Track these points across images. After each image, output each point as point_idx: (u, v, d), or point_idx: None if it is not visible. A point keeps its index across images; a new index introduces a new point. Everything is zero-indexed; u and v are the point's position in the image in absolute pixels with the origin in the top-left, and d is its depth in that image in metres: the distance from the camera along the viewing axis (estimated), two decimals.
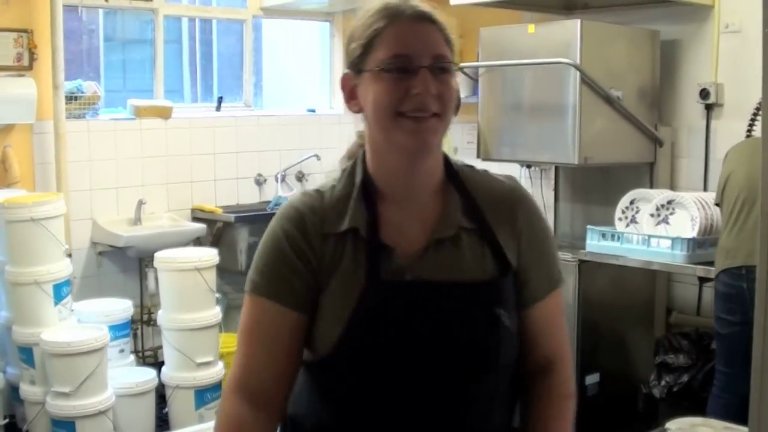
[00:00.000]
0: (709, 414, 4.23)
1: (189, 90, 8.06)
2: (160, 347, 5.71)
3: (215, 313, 5.07)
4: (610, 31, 5.16)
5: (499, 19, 5.79)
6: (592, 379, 5.16)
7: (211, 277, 5.05)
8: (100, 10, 6.70)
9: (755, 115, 4.84)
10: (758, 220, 4.04)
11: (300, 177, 6.93)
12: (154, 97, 6.37)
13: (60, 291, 4.76)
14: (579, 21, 4.93)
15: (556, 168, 5.90)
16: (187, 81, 8.47)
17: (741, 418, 3.81)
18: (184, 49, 8.66)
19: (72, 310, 4.91)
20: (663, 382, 4.96)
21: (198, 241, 6.04)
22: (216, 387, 5.08)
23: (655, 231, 4.82)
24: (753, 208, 4.06)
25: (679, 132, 5.42)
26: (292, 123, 6.96)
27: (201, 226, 6.04)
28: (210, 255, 5.08)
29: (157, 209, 6.15)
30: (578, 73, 4.91)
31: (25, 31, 5.51)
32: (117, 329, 5.05)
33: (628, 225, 5.02)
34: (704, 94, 5.19)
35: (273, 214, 5.94)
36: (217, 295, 5.21)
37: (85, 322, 4.91)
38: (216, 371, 5.07)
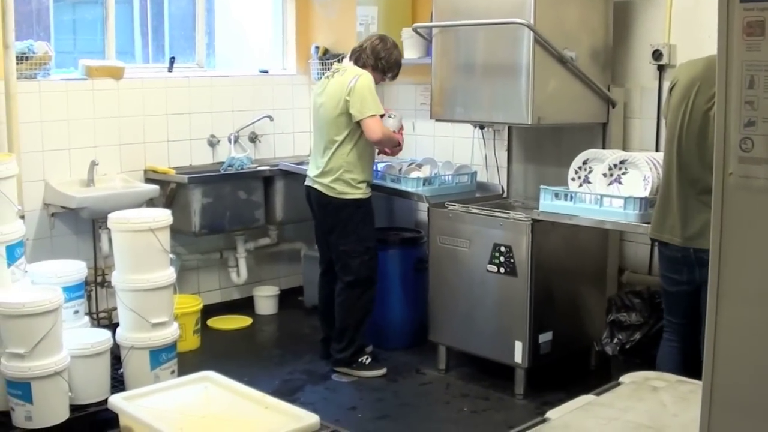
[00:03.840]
0: (660, 357, 4.32)
1: (140, 51, 7.96)
2: (115, 309, 5.69)
3: (169, 274, 5.05)
4: None
5: None
6: (545, 337, 5.22)
7: (165, 237, 5.02)
8: None
9: None
10: (684, 194, 3.98)
11: (253, 138, 6.91)
12: (105, 57, 6.29)
13: (13, 252, 4.71)
14: None
15: (510, 128, 5.93)
16: (138, 42, 8.37)
17: (690, 364, 3.93)
18: (135, 10, 8.55)
19: (25, 272, 4.87)
20: (615, 340, 5.03)
21: (151, 203, 6.00)
22: (171, 347, 5.07)
23: (608, 191, 4.86)
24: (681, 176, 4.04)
25: (631, 92, 5.47)
26: (245, 83, 6.93)
27: (154, 188, 6.01)
28: (164, 215, 5.05)
29: (109, 170, 6.10)
30: (532, 33, 4.92)
31: None
32: (71, 290, 5.01)
33: (581, 185, 5.06)
34: (657, 54, 5.24)
35: (226, 175, 6.01)
36: (171, 256, 5.19)
37: (39, 284, 4.87)
38: (171, 331, 5.06)
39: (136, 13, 8.44)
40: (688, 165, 4.00)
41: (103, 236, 5.88)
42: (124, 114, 6.19)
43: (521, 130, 5.84)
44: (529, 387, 5.25)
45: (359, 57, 5.53)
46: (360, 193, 5.49)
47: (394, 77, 5.68)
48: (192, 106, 6.57)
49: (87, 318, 5.29)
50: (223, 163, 6.52)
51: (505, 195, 6.00)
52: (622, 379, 2.64)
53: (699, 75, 3.98)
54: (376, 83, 5.56)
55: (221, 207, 6.24)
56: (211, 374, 3.93)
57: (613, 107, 5.38)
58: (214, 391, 3.80)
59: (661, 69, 5.28)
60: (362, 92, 5.33)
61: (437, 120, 5.71)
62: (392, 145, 5.65)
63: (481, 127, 6.13)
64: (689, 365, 4.19)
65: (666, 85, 5.19)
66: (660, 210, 4.16)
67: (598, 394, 2.50)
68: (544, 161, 5.79)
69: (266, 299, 6.91)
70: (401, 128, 5.76)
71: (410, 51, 6.17)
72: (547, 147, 5.76)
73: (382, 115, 5.43)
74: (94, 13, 6.67)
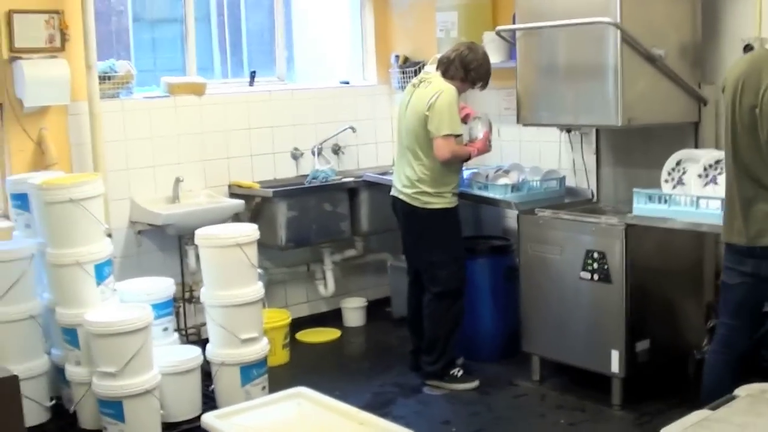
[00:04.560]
0: (707, 371, 4.22)
1: (219, 67, 8.00)
2: (203, 325, 5.71)
3: (258, 289, 5.03)
4: None
5: None
6: (642, 345, 5.07)
7: (253, 252, 5.00)
8: None
9: None
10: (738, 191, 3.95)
11: (336, 150, 6.87)
12: (186, 74, 6.31)
13: (102, 271, 4.73)
14: None
15: (597, 131, 5.78)
16: (216, 58, 8.41)
17: (739, 376, 3.84)
18: (212, 27, 8.59)
19: (114, 290, 4.88)
20: None
21: (236, 217, 5.99)
22: (261, 363, 5.05)
23: (704, 192, 4.70)
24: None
25: None
26: (327, 95, 6.90)
27: (239, 202, 5.99)
28: (251, 230, 5.03)
29: (194, 186, 6.11)
30: (618, 32, 4.79)
31: (56, 12, 5.44)
32: (160, 308, 5.02)
33: (674, 187, 4.90)
34: (748, 49, 5.04)
35: (311, 188, 5.97)
36: (259, 270, 5.15)
37: (128, 302, 4.88)
38: (261, 347, 5.04)
39: (214, 30, 8.49)
40: (746, 164, 3.97)
41: (189, 252, 5.89)
42: (206, 130, 6.20)
43: (610, 133, 5.69)
44: (626, 397, 5.09)
45: (447, 68, 5.40)
46: (446, 202, 5.40)
47: (484, 87, 5.54)
48: (274, 119, 6.56)
49: (176, 335, 5.30)
50: (308, 175, 6.48)
51: (594, 199, 5.85)
52: (737, 392, 2.50)
53: (742, 74, 3.98)
54: (463, 92, 5.46)
55: (307, 220, 6.20)
56: (303, 390, 3.88)
57: (705, 105, 5.21)
58: (307, 407, 3.75)
59: None
60: (441, 110, 5.23)
61: (524, 125, 5.58)
62: (462, 162, 5.54)
63: (568, 131, 5.99)
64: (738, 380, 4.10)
65: None
66: (727, 212, 4.13)
67: (713, 409, 2.37)
68: (635, 164, 5.62)
69: (354, 311, 6.85)
70: (488, 132, 5.62)
71: (492, 55, 6.01)
72: (636, 149, 5.59)
73: (458, 135, 5.32)
74: (173, 31, 6.70)
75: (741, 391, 2.50)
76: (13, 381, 3.30)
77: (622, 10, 4.78)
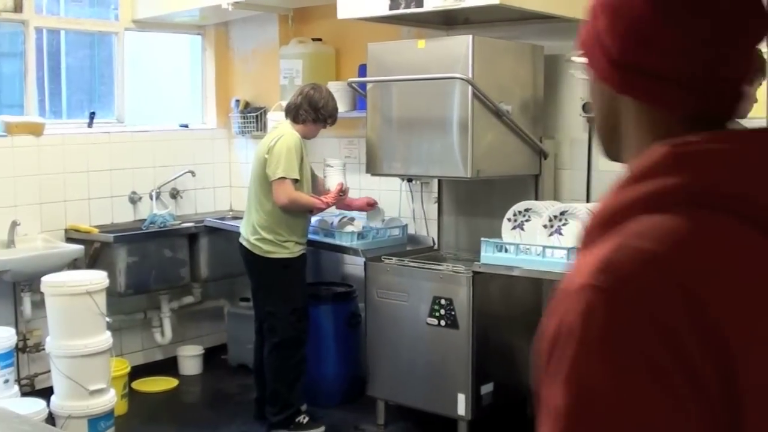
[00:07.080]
0: None
1: (48, 105, 7.76)
2: (37, 375, 5.50)
3: (107, 338, 4.90)
4: (499, 46, 5.25)
5: (378, 34, 5.80)
6: (486, 388, 5.23)
7: (102, 300, 4.88)
8: None
9: None
10: None
11: (174, 194, 6.76)
12: (24, 112, 6.09)
13: None
14: (471, 36, 4.97)
15: (440, 181, 5.93)
16: (33, 95, 8.17)
17: None
18: (29, 63, 8.33)
19: None
20: None
21: (74, 264, 5.79)
22: (109, 415, 4.90)
23: (549, 242, 4.91)
24: None
25: (561, 144, 5.56)
26: (166, 138, 6.78)
27: (79, 248, 5.79)
28: (100, 278, 4.91)
29: (30, 230, 5.87)
30: (470, 87, 4.95)
31: None
32: (1, 359, 4.80)
33: (514, 228, 5.08)
34: (586, 107, 5.33)
35: (152, 233, 5.80)
36: (108, 319, 5.02)
37: None
38: (109, 398, 4.91)
39: (32, 67, 8.25)
40: None
41: (25, 299, 5.64)
42: (44, 171, 5.97)
43: (452, 183, 5.85)
44: None
45: (297, 114, 5.43)
46: (287, 252, 5.38)
47: (333, 123, 5.58)
48: (113, 162, 6.40)
49: (17, 387, 5.07)
50: (145, 220, 6.36)
51: (436, 247, 6.00)
52: None
53: None
54: (315, 135, 5.50)
55: (147, 266, 6.07)
56: None
57: (545, 159, 5.45)
58: None
59: (591, 121, 5.37)
60: (279, 153, 5.24)
61: (373, 174, 5.65)
62: (303, 211, 5.50)
63: (409, 180, 6.12)
64: None
65: (596, 137, 5.32)
66: None
67: None
68: (476, 213, 5.81)
69: (191, 359, 6.71)
70: (342, 184, 5.62)
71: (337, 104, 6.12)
72: (478, 199, 5.78)
73: (296, 180, 5.34)
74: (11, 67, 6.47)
75: None
76: None
77: (473, 67, 4.96)
